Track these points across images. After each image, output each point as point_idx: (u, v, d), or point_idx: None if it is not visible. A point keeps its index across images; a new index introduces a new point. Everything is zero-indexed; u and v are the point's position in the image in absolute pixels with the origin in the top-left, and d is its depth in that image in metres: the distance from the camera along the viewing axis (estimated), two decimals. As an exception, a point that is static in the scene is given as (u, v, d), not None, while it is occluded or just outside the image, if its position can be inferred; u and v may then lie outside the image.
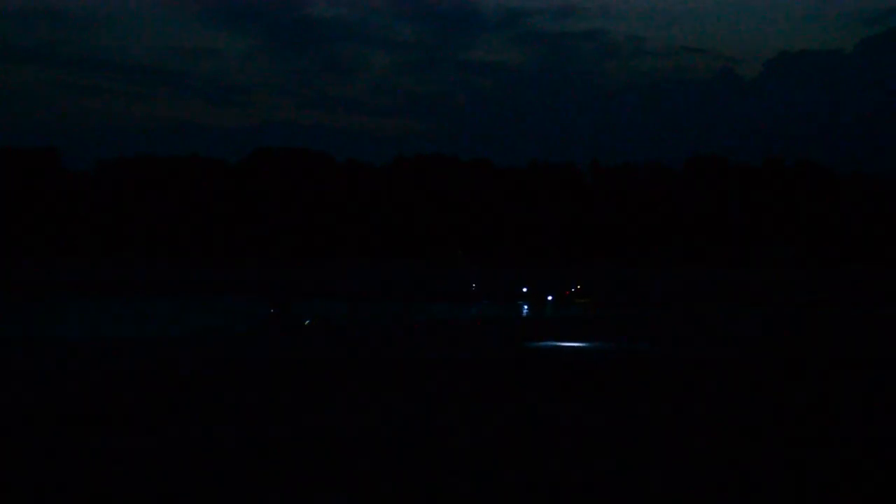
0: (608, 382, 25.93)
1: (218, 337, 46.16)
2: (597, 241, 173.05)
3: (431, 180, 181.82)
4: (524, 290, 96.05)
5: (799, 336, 43.52)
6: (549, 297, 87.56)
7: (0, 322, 61.86)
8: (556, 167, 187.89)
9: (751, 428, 18.59)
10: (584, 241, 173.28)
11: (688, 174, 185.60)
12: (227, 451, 16.34)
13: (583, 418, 19.79)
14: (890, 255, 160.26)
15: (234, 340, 43.39)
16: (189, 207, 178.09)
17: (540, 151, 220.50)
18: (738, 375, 27.44)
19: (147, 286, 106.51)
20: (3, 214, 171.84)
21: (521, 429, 18.56)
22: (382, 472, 14.87)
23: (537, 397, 22.85)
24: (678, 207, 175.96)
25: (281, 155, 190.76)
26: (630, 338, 41.13)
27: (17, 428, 18.47)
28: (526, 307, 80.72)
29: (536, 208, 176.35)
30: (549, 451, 16.35)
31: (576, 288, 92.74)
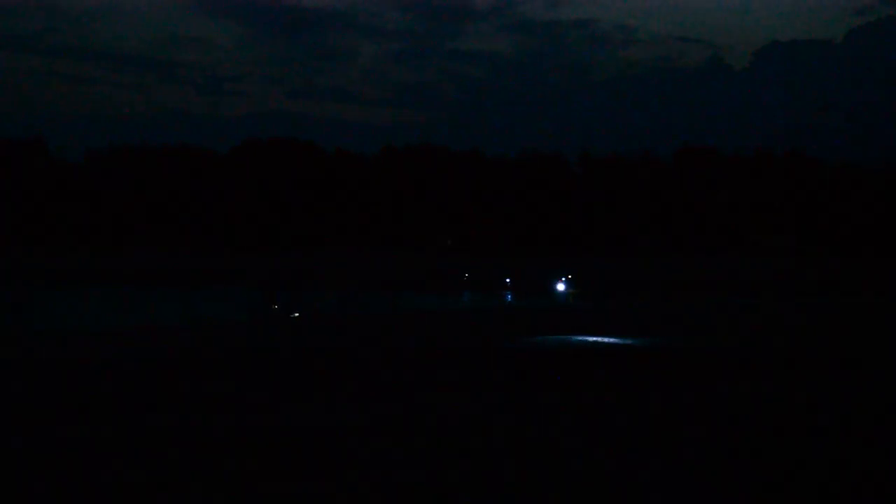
0: (611, 379, 25.99)
1: (205, 327, 46.16)
2: (586, 232, 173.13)
3: (421, 170, 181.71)
4: (507, 280, 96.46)
5: (806, 329, 43.11)
6: (562, 288, 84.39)
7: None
8: (546, 157, 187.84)
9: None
10: (574, 232, 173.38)
11: (677, 164, 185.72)
12: (202, 444, 16.41)
13: (565, 406, 19.87)
14: (880, 245, 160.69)
15: (222, 331, 43.39)
16: (179, 197, 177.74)
17: (529, 141, 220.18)
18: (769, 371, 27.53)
19: (135, 276, 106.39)
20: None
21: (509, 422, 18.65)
22: (359, 466, 14.95)
23: (523, 388, 22.93)
24: (668, 198, 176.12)
25: (270, 145, 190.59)
26: (639, 330, 39.65)
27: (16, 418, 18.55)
28: (509, 297, 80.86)
29: (526, 198, 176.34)
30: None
31: (566, 278, 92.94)
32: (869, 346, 34.82)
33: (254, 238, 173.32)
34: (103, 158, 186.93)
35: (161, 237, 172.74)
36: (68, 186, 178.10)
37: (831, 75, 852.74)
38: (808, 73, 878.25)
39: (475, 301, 75.32)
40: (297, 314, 53.07)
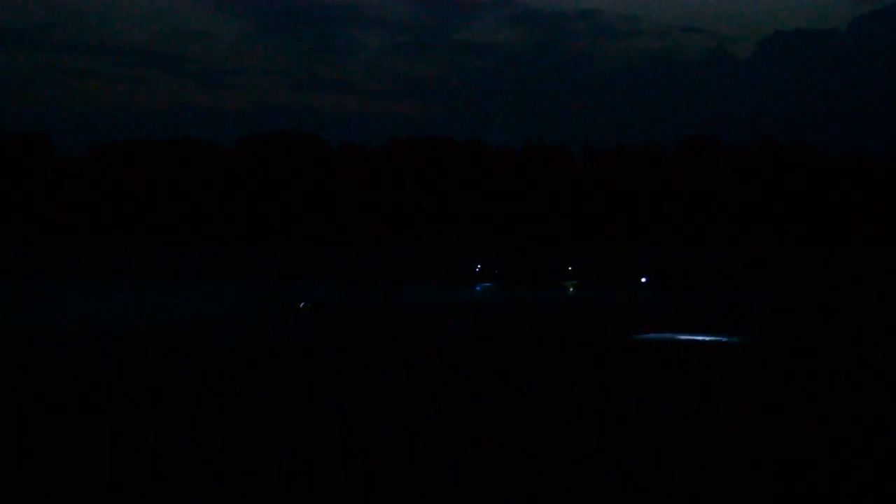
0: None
1: (212, 321, 46.08)
2: (589, 223, 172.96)
3: (425, 162, 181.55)
4: (494, 271, 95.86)
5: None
6: (644, 280, 78.51)
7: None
8: (550, 149, 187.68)
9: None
10: (577, 223, 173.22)
11: (681, 156, 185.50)
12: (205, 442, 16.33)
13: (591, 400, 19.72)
14: (882, 235, 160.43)
15: (230, 325, 43.32)
16: (182, 191, 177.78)
17: (533, 132, 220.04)
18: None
19: (139, 271, 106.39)
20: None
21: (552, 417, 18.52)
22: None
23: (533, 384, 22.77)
24: (671, 188, 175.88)
25: (274, 138, 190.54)
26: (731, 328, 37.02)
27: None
28: (489, 287, 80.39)
29: (529, 190, 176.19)
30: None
31: (568, 270, 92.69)
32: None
33: (257, 231, 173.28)
34: (107, 152, 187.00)
35: (164, 231, 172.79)
36: (72, 181, 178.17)
37: (835, 65, 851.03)
38: (812, 62, 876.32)
39: (493, 294, 74.93)
40: (302, 304, 52.82)
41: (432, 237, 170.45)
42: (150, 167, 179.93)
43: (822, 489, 13.19)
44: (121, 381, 23.35)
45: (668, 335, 33.94)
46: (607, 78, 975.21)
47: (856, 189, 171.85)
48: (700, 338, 33.34)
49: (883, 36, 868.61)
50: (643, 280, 76.84)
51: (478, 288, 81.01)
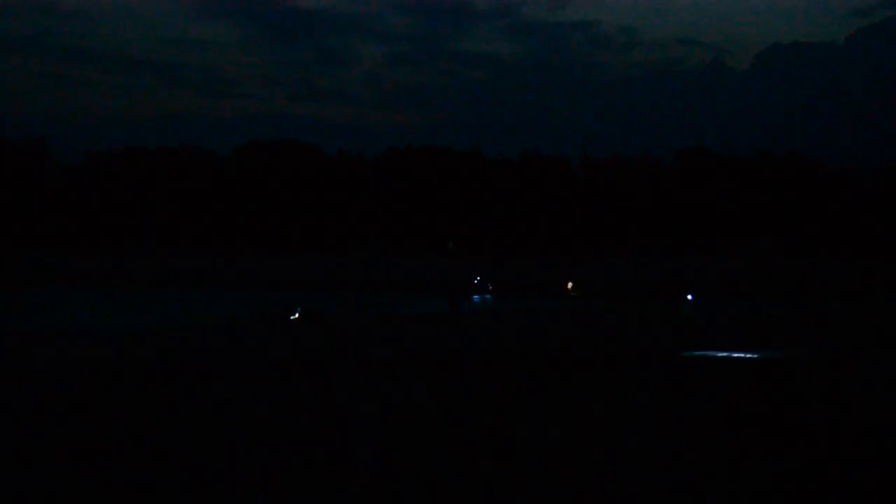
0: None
1: (207, 328, 45.95)
2: (587, 233, 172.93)
3: (422, 172, 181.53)
4: (477, 279, 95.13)
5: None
6: (690, 297, 75.10)
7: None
8: (547, 159, 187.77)
9: None
10: (575, 233, 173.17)
11: (678, 166, 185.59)
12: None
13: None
14: (879, 247, 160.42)
15: (223, 332, 43.21)
16: (179, 199, 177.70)
17: (531, 142, 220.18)
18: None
19: (136, 277, 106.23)
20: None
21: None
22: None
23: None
24: (668, 200, 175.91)
25: (272, 147, 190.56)
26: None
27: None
28: (477, 298, 79.87)
29: (527, 200, 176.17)
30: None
31: (568, 286, 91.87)
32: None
33: (254, 240, 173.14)
34: (104, 160, 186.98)
35: (162, 238, 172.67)
36: (69, 188, 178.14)
37: (833, 77, 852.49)
38: (810, 75, 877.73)
39: (495, 305, 74.56)
40: (296, 314, 52.67)
41: (431, 247, 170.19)
42: (147, 175, 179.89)
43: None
44: (118, 386, 23.28)
45: (720, 353, 32.53)
46: (605, 89, 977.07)
47: (852, 199, 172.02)
48: (749, 355, 32.04)
49: (880, 49, 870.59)
50: (689, 297, 73.93)
51: (476, 299, 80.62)
